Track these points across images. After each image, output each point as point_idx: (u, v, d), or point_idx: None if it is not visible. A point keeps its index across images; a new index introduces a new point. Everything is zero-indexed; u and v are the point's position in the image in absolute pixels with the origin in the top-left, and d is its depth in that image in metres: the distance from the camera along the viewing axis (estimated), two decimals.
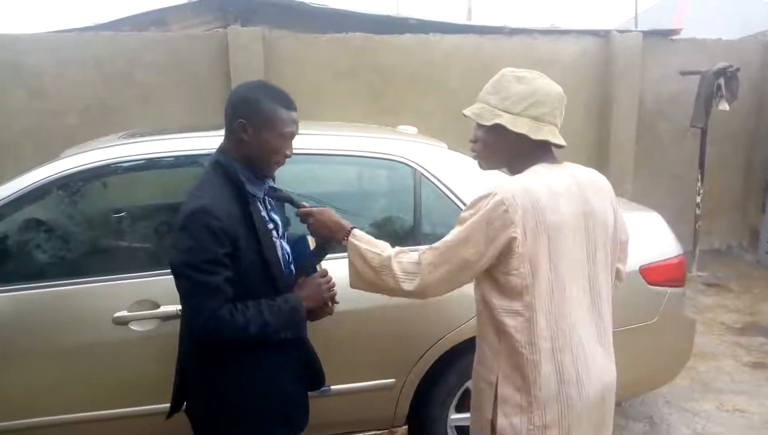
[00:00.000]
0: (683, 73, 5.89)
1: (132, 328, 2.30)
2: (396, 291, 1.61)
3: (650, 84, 6.16)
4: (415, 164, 2.61)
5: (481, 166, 1.69)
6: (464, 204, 2.53)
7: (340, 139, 2.75)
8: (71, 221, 2.55)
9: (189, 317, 1.60)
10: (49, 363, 2.31)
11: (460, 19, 8.62)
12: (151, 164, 2.57)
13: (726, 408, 3.43)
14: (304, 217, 1.83)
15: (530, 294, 1.47)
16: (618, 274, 1.73)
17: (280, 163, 1.74)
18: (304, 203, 1.86)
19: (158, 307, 2.30)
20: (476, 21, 10.46)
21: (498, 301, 1.51)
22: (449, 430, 2.63)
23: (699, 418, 3.31)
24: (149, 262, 2.49)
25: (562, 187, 1.50)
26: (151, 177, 2.72)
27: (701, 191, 5.82)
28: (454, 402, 2.61)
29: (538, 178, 1.51)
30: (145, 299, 2.31)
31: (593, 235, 1.54)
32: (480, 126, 1.60)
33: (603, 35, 6.10)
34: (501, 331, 1.53)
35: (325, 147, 2.64)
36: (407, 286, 1.57)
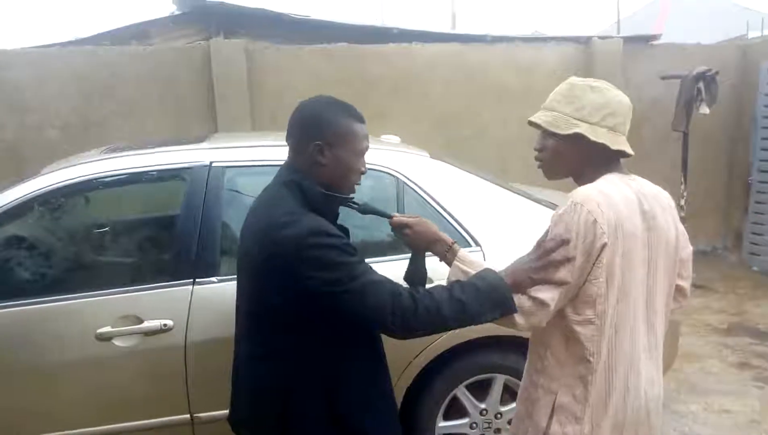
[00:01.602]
0: (663, 78, 5.95)
1: (115, 343, 2.27)
2: (507, 325, 1.52)
3: (631, 89, 6.21)
4: (398, 173, 2.61)
5: (546, 176, 1.62)
6: (447, 212, 2.58)
7: None
8: (53, 237, 2.54)
9: (377, 324, 1.46)
10: (32, 381, 2.28)
11: (443, 28, 8.68)
12: (133, 179, 2.56)
13: (712, 409, 3.45)
14: (399, 228, 1.68)
15: (603, 303, 1.46)
16: (682, 291, 1.71)
17: (358, 183, 1.64)
18: (395, 214, 1.72)
19: (142, 322, 2.28)
20: (460, 29, 10.54)
21: (571, 310, 1.49)
22: None
23: (686, 420, 3.33)
24: (132, 277, 2.48)
25: (632, 198, 1.50)
26: (134, 191, 2.71)
27: (685, 194, 5.88)
28: (442, 410, 2.60)
29: (612, 185, 1.49)
30: (128, 314, 2.29)
31: (655, 250, 1.52)
32: (551, 135, 1.55)
33: (584, 42, 6.17)
34: (571, 339, 1.51)
35: None
36: (525, 323, 1.50)
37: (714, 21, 14.36)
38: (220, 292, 2.34)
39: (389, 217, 1.70)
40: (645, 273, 1.52)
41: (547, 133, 1.56)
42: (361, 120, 1.61)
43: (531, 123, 1.59)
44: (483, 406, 2.62)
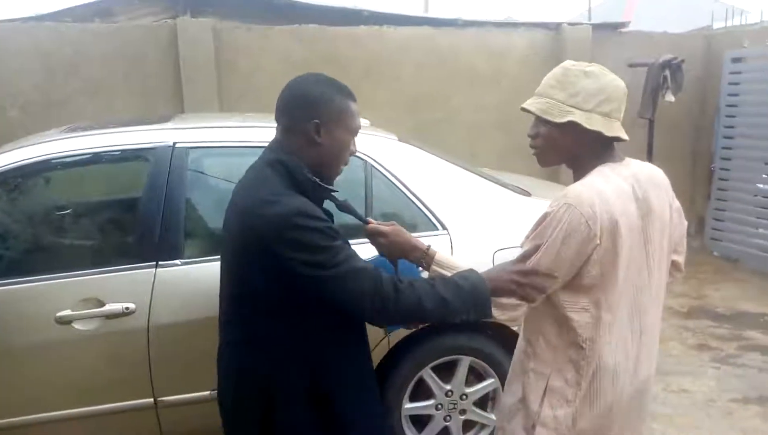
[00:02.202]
0: (631, 65, 6.02)
1: (76, 327, 2.23)
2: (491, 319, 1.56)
3: None
4: (366, 156, 2.60)
5: (540, 163, 1.61)
6: (415, 196, 2.58)
7: None
8: (11, 219, 2.47)
9: (357, 311, 1.44)
10: None
11: (415, 11, 8.63)
12: (94, 159, 2.50)
13: (672, 389, 3.55)
14: (374, 236, 1.67)
15: (597, 293, 1.48)
16: (677, 266, 1.74)
17: (347, 163, 1.62)
18: (371, 220, 1.70)
19: (103, 305, 2.24)
20: (432, 13, 10.50)
21: (564, 297, 1.51)
22: (404, 419, 2.64)
23: None
24: (94, 260, 2.43)
25: (627, 189, 1.49)
26: (95, 172, 2.65)
27: None
28: (408, 391, 2.62)
29: (606, 180, 1.48)
30: (89, 298, 2.25)
31: (651, 235, 1.53)
32: (543, 122, 1.52)
33: (554, 28, 6.20)
34: (564, 325, 1.52)
35: None
36: (503, 316, 1.54)
37: (683, 11, 14.57)
38: (184, 275, 2.32)
39: (365, 222, 1.69)
40: (642, 259, 1.53)
41: (540, 121, 1.54)
42: (354, 98, 1.59)
43: (524, 109, 1.56)
44: (448, 387, 2.65)
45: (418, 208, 2.58)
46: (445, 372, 2.65)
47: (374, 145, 2.66)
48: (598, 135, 1.48)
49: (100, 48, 5.20)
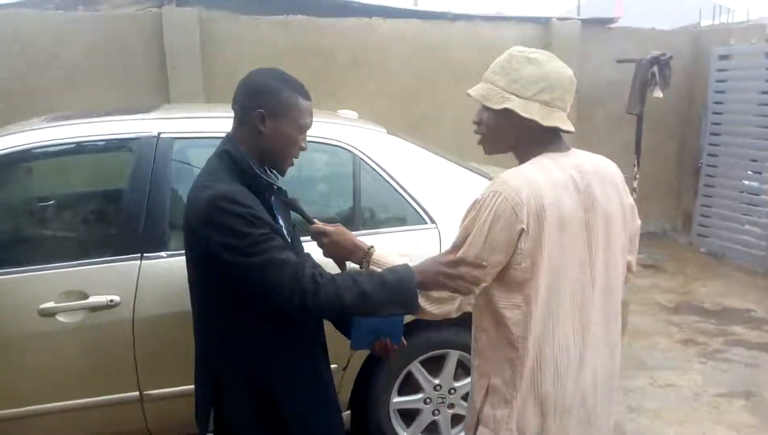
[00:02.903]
0: (619, 61, 6.04)
1: (59, 319, 2.19)
2: (419, 315, 1.52)
3: (588, 71, 6.29)
4: (354, 149, 2.57)
5: (485, 150, 1.57)
6: (403, 189, 2.56)
7: None
8: None
9: (276, 302, 1.43)
10: None
11: (404, 4, 8.59)
12: (77, 149, 2.44)
13: (658, 383, 3.57)
14: (317, 236, 1.69)
15: (528, 288, 1.42)
16: (628, 266, 1.65)
17: (296, 157, 1.64)
18: (316, 220, 1.73)
19: (87, 297, 2.20)
20: (422, 7, 10.45)
21: (499, 293, 1.46)
22: (392, 413, 2.63)
23: (634, 394, 3.43)
24: (77, 252, 2.38)
25: (565, 179, 1.43)
26: (78, 162, 2.59)
27: (637, 176, 6.01)
28: (397, 385, 2.61)
29: (542, 170, 1.43)
30: (72, 290, 2.20)
31: (595, 229, 1.47)
32: (486, 108, 1.49)
33: (543, 22, 6.20)
34: (499, 323, 1.47)
35: None
36: (436, 310, 1.50)
37: (671, 8, 14.65)
38: (169, 267, 2.27)
39: (311, 222, 1.72)
40: (584, 254, 1.46)
41: (483, 107, 1.51)
42: (306, 96, 1.61)
43: (468, 94, 1.53)
44: (437, 381, 2.64)
45: (407, 201, 2.56)
46: (434, 366, 2.64)
47: (363, 138, 2.64)
48: (536, 124, 1.43)
49: (83, 36, 5.11)
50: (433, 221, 2.55)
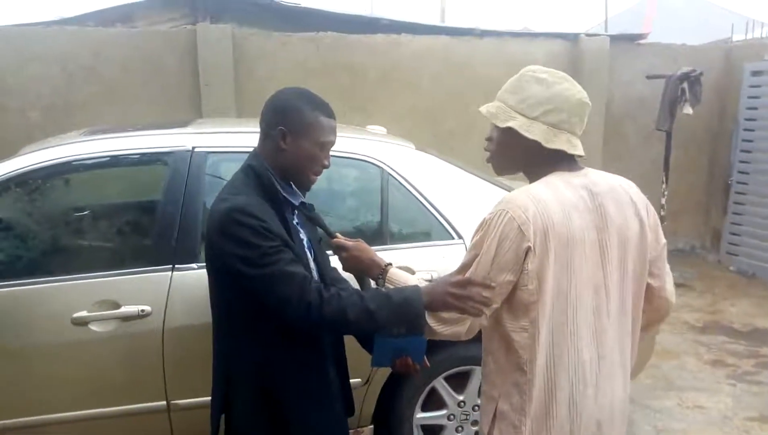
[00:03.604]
0: (649, 77, 5.99)
1: (92, 328, 2.25)
2: (430, 336, 1.52)
3: (617, 87, 6.27)
4: (383, 164, 2.60)
5: (494, 169, 1.57)
6: (431, 204, 2.58)
7: None
8: (30, 220, 2.49)
9: (282, 314, 1.48)
10: (6, 365, 2.25)
11: (432, 21, 8.65)
12: (113, 162, 2.52)
13: (686, 405, 3.50)
14: (338, 250, 1.73)
15: (535, 310, 1.38)
16: (658, 291, 1.57)
17: (318, 174, 1.67)
18: (338, 234, 1.76)
19: (119, 307, 2.26)
20: (449, 23, 10.52)
21: (506, 316, 1.43)
22: (415, 429, 2.63)
23: (661, 415, 3.37)
24: (110, 262, 2.44)
25: (575, 199, 1.40)
26: (114, 175, 2.67)
27: (666, 193, 5.94)
28: (421, 401, 2.61)
29: (551, 189, 1.41)
30: (105, 299, 2.26)
31: (609, 251, 1.43)
32: (495, 126, 1.50)
33: (572, 38, 6.19)
34: (508, 346, 1.45)
35: None
36: (446, 331, 1.48)
37: (701, 23, 14.49)
38: (200, 278, 2.29)
39: (332, 236, 1.75)
40: (598, 276, 1.42)
41: (493, 125, 1.51)
42: (329, 115, 1.64)
43: (479, 111, 1.53)
44: (461, 398, 2.63)
45: (434, 216, 2.58)
46: (458, 382, 2.63)
47: (391, 153, 2.67)
48: (539, 145, 1.42)
49: (120, 52, 5.27)
50: (460, 237, 2.56)
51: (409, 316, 1.45)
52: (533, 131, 1.42)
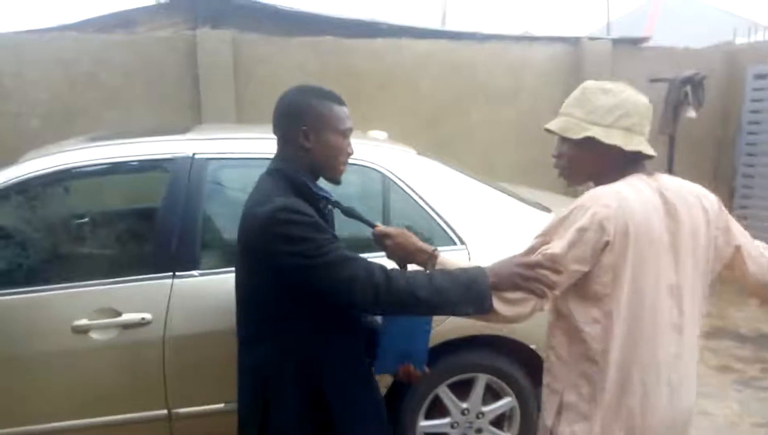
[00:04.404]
0: (652, 81, 5.96)
1: (92, 336, 2.22)
2: (491, 318, 1.51)
3: None
4: (384, 169, 2.58)
5: (568, 182, 1.62)
6: (432, 209, 2.56)
7: None
8: (30, 227, 2.48)
9: (348, 300, 1.46)
10: (6, 372, 2.23)
11: (433, 25, 8.65)
12: (113, 169, 2.50)
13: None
14: (381, 238, 1.71)
15: (609, 303, 1.44)
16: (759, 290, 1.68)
17: (346, 163, 1.68)
18: (378, 223, 1.74)
19: (119, 315, 2.23)
20: (450, 27, 10.52)
21: (576, 307, 1.48)
22: None
23: None
24: (111, 270, 2.42)
25: (654, 200, 1.47)
26: (114, 182, 2.66)
27: None
28: (424, 408, 2.58)
29: (633, 188, 1.47)
30: (106, 307, 2.24)
31: (682, 253, 1.49)
32: (565, 140, 1.55)
33: (573, 42, 6.17)
34: (576, 338, 1.50)
35: None
36: (509, 312, 1.48)
37: (703, 27, 14.47)
38: (201, 286, 2.31)
39: (372, 225, 1.73)
40: (672, 277, 1.48)
41: (562, 139, 1.56)
42: (339, 102, 1.66)
43: (547, 130, 1.58)
44: (465, 405, 2.60)
45: (436, 221, 2.55)
46: (462, 390, 2.61)
47: (392, 158, 2.65)
48: (618, 150, 1.48)
49: (120, 58, 5.26)
50: (462, 242, 2.54)
51: (476, 295, 1.43)
52: (612, 137, 1.48)
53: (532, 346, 2.51)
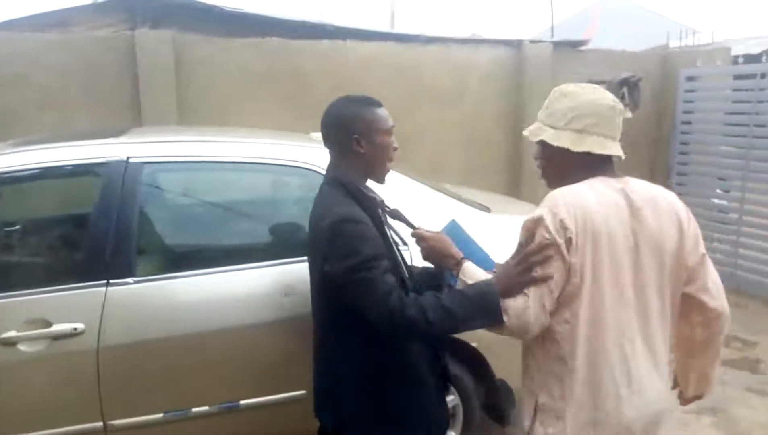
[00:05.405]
0: (591, 82, 6.13)
1: (21, 348, 2.14)
2: (503, 331, 1.55)
3: None
4: (324, 171, 2.56)
5: (547, 184, 1.67)
6: None
7: (250, 147, 2.68)
8: None
9: (374, 318, 1.58)
10: None
11: (378, 27, 8.68)
12: (44, 174, 2.41)
13: None
14: (418, 241, 1.82)
15: (576, 303, 1.48)
16: (701, 302, 1.61)
17: (393, 159, 1.84)
18: (419, 226, 1.86)
19: (50, 325, 2.16)
20: (398, 29, 10.59)
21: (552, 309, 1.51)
22: None
23: None
24: (41, 279, 2.34)
25: (614, 200, 1.51)
26: (44, 187, 2.56)
27: None
28: None
29: (592, 189, 1.52)
30: (36, 318, 2.16)
31: (642, 255, 1.51)
32: (537, 144, 1.64)
33: (515, 45, 6.29)
34: (549, 339, 1.53)
35: (235, 154, 2.58)
36: (515, 321, 1.51)
37: (640, 30, 15.01)
38: (137, 293, 2.25)
39: (413, 228, 1.86)
40: (630, 278, 1.50)
41: (537, 143, 1.64)
42: (378, 104, 1.83)
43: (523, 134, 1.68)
44: None
45: None
46: None
47: None
48: (568, 152, 1.54)
49: (56, 59, 5.06)
50: (405, 243, 2.55)
51: (485, 308, 1.51)
52: (560, 139, 1.56)
53: (474, 344, 2.54)
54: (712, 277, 1.64)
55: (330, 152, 1.84)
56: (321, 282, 1.71)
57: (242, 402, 2.36)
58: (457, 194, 2.98)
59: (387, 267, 1.62)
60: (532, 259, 1.48)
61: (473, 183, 4.31)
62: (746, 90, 5.67)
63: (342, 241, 1.60)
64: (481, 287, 1.55)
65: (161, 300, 2.28)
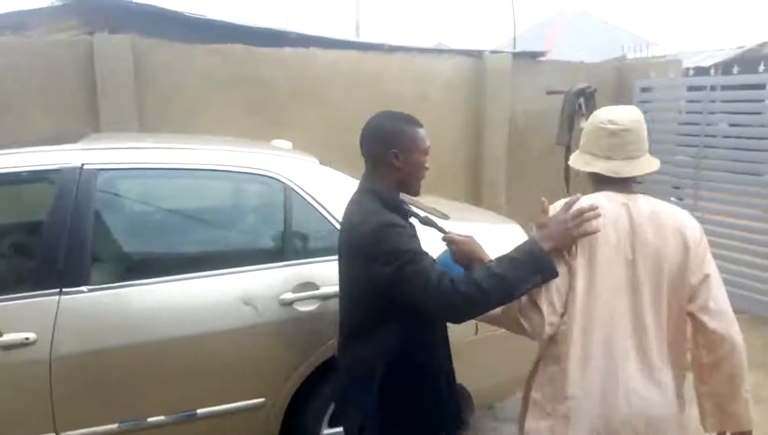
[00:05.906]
0: (549, 93, 6.28)
1: None
2: (521, 331, 1.65)
3: (519, 102, 6.53)
4: (285, 179, 2.59)
5: None
6: (334, 218, 2.58)
7: (209, 154, 2.66)
8: None
9: (432, 306, 1.64)
10: None
11: (342, 35, 8.71)
12: None
13: None
14: (449, 244, 1.87)
15: (575, 306, 1.57)
16: (702, 323, 1.60)
17: (424, 177, 1.91)
18: (450, 231, 1.91)
19: (0, 335, 2.11)
20: (364, 38, 10.63)
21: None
22: None
23: None
24: None
25: (615, 213, 1.61)
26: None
27: None
28: (327, 415, 2.59)
29: (594, 200, 1.63)
30: None
31: (641, 269, 1.58)
32: None
33: (476, 55, 6.40)
34: (551, 340, 1.63)
35: (194, 161, 2.56)
36: (528, 325, 1.62)
37: (603, 42, 15.37)
38: (91, 302, 2.22)
39: (444, 232, 1.91)
40: (627, 290, 1.58)
41: None
42: (419, 124, 1.89)
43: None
44: None
45: (337, 229, 2.57)
46: None
47: (294, 168, 2.66)
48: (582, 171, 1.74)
49: (11, 62, 4.94)
50: None
51: (537, 264, 1.58)
52: (575, 160, 1.77)
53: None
54: (716, 299, 1.61)
55: (365, 164, 1.91)
56: (368, 284, 1.74)
57: (199, 411, 2.34)
58: (416, 201, 3.00)
59: (431, 260, 1.69)
60: (586, 216, 1.56)
61: (434, 190, 4.35)
62: (697, 101, 5.88)
63: (389, 242, 1.67)
64: (525, 248, 1.62)
65: (116, 308, 2.26)
